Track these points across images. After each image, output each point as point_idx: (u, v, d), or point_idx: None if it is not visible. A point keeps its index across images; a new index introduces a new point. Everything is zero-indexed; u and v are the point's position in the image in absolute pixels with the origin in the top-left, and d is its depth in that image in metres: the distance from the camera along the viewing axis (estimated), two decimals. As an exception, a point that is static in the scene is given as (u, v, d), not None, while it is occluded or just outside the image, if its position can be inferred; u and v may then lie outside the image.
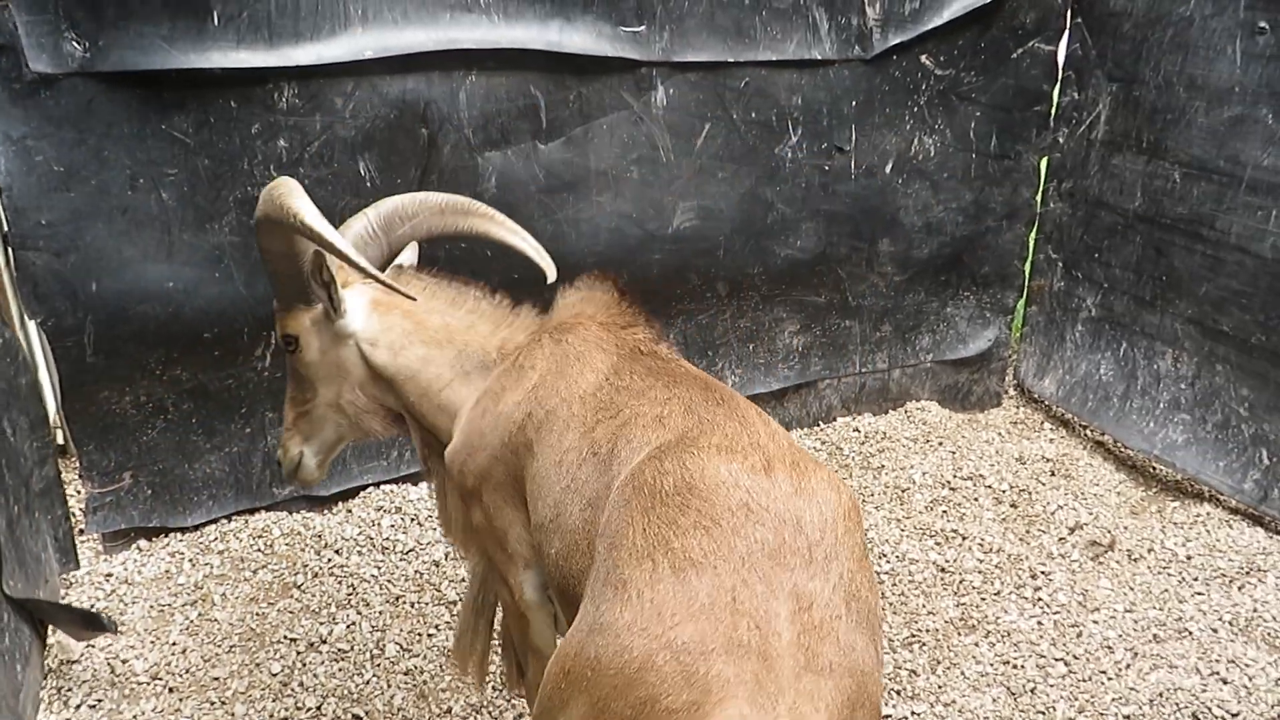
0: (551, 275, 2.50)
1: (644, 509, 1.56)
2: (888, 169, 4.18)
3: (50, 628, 3.08)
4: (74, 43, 2.97)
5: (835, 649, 1.43)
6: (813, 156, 4.03)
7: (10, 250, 3.14)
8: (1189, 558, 3.63)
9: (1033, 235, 4.65)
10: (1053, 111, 4.41)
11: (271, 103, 3.22)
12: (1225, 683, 3.03)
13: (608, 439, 1.86)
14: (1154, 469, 4.19)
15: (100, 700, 2.94)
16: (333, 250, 2.06)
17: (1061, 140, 4.43)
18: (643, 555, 1.50)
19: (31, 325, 3.24)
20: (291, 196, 2.05)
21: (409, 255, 2.52)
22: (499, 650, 2.73)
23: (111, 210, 3.16)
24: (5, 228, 3.11)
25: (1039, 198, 4.57)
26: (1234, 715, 2.91)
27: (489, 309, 2.37)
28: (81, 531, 3.55)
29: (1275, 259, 3.58)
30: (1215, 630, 3.26)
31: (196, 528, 3.64)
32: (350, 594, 3.42)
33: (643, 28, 3.58)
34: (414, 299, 2.23)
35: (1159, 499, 4.04)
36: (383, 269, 2.39)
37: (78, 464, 3.48)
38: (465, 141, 3.48)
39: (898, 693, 3.03)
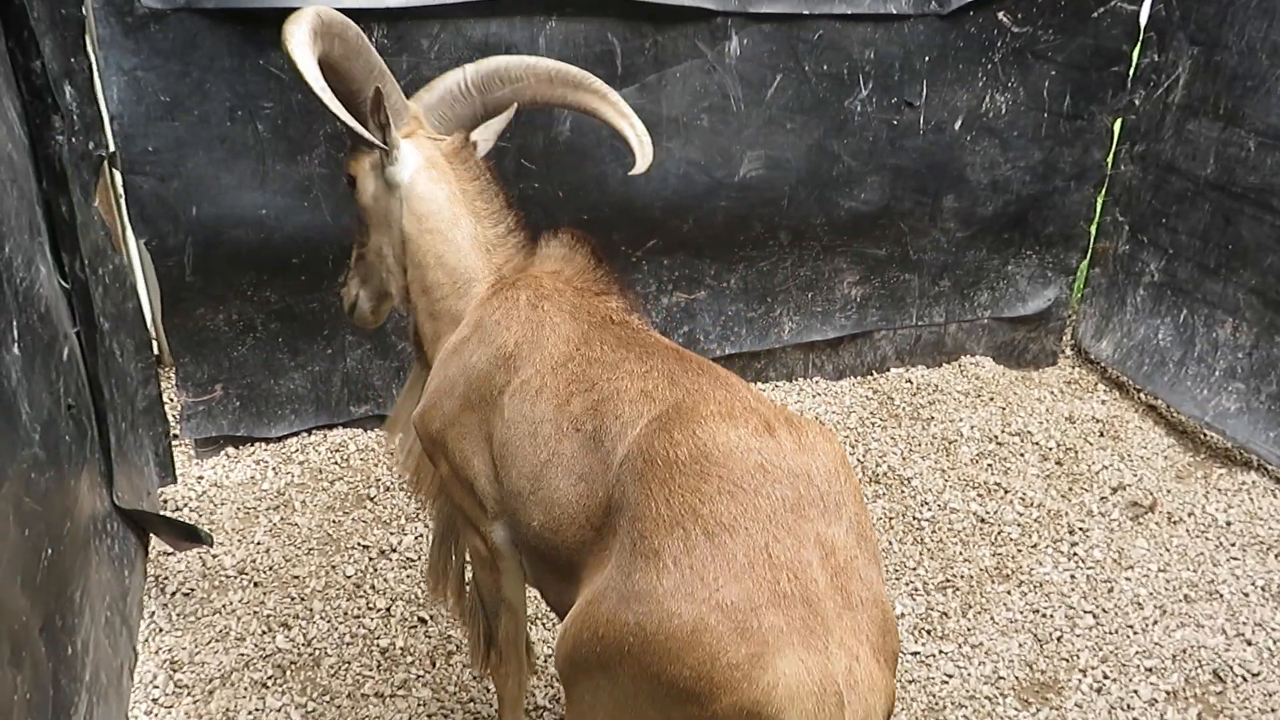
0: (643, 166, 2.48)
1: (662, 480, 1.63)
2: (957, 125, 4.21)
3: (153, 536, 3.35)
4: (182, -20, 3.16)
5: (861, 585, 1.57)
6: (882, 111, 4.08)
7: (121, 174, 3.37)
8: (1228, 524, 3.70)
9: (1101, 197, 4.64)
10: (1131, 73, 4.37)
11: (362, 42, 3.38)
12: (1249, 644, 3.13)
13: (589, 414, 1.90)
14: (1204, 435, 4.23)
15: (193, 590, 3.24)
16: (301, 81, 2.09)
17: (1137, 102, 4.40)
18: (671, 525, 1.58)
19: (136, 245, 3.48)
20: (295, 21, 2.10)
21: (495, 126, 2.47)
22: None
23: (211, 140, 3.37)
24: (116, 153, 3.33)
25: (1110, 160, 4.55)
26: (1254, 675, 3.02)
27: (512, 241, 2.33)
28: (177, 438, 3.83)
29: (1343, 233, 3.57)
30: (1246, 594, 3.35)
31: (280, 439, 3.91)
32: (418, 508, 3.67)
33: (720, -22, 3.65)
34: (385, 147, 2.20)
35: (1206, 465, 4.09)
36: (470, 129, 2.40)
37: (174, 374, 3.76)
38: (543, 85, 3.60)
39: (928, 632, 3.20)
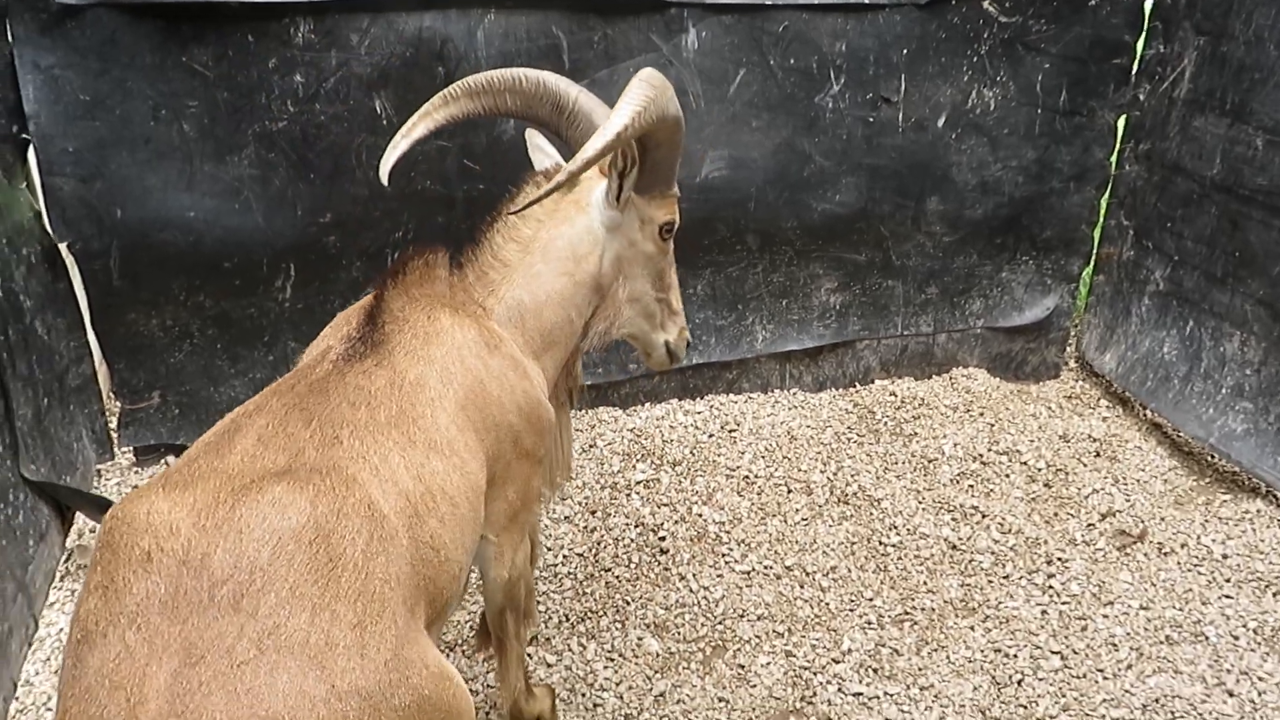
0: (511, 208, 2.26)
1: (89, 568, 1.44)
2: (940, 123, 3.93)
3: (74, 511, 3.35)
4: (97, -26, 3.04)
5: (229, 700, 1.28)
6: (856, 107, 3.82)
7: (39, 175, 3.27)
8: (1225, 556, 3.38)
9: (1105, 199, 4.32)
10: (1134, 65, 4.05)
11: (288, 38, 3.23)
12: (1231, 695, 2.83)
13: None
14: (1209, 458, 3.90)
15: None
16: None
17: (1142, 97, 4.08)
18: (69, 625, 1.42)
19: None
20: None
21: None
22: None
23: (135, 140, 3.25)
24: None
25: (1114, 159, 4.23)
26: (1232, 731, 2.73)
27: None
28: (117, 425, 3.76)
29: (1356, 240, 3.23)
30: (1235, 638, 3.04)
31: (221, 449, 3.79)
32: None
33: (673, -34, 3.44)
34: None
35: (1208, 491, 3.76)
36: None
37: (110, 380, 3.66)
38: (484, 81, 3.42)
39: (875, 670, 2.95)
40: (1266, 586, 3.24)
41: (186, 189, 3.34)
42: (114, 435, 3.71)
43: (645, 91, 2.01)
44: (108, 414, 3.73)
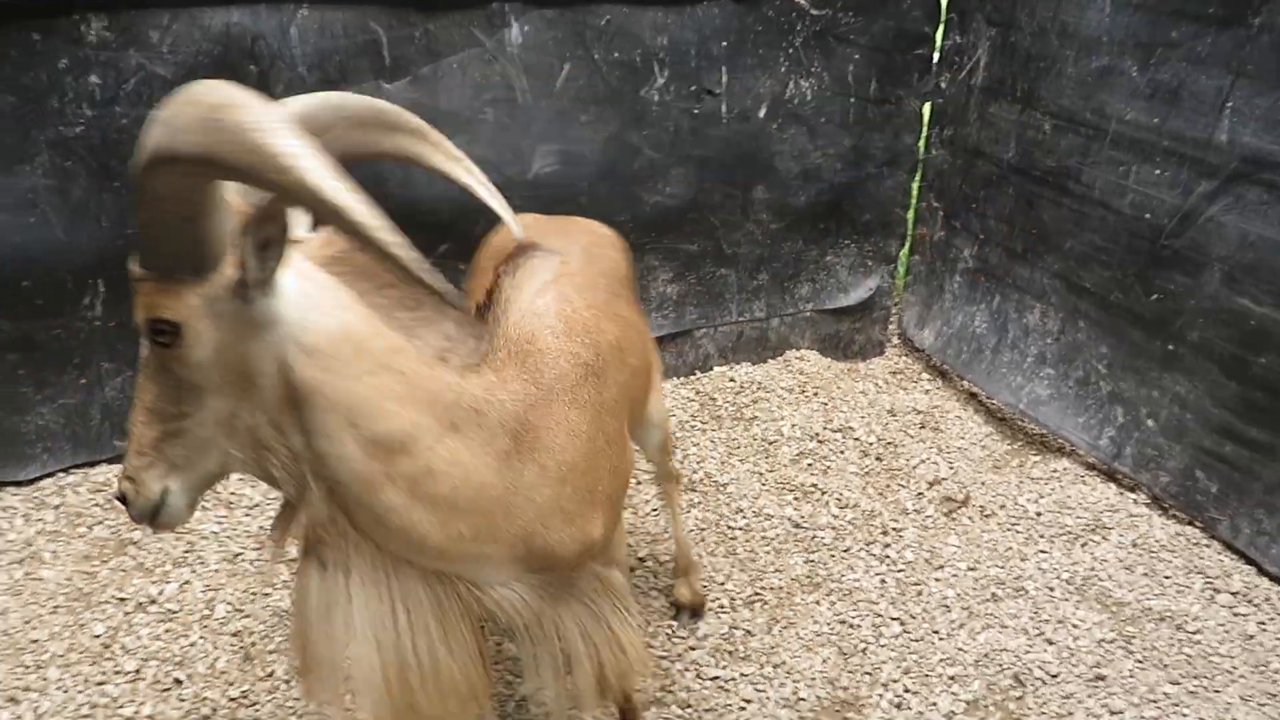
0: (510, 220, 1.96)
1: None
2: (761, 113, 4.05)
3: None
4: None
5: None
6: (681, 99, 3.89)
7: None
8: (1039, 514, 3.65)
9: (916, 183, 4.57)
10: (935, 55, 4.29)
11: (79, 35, 3.00)
12: (1050, 643, 3.07)
13: None
14: (1020, 423, 4.20)
15: (-94, 666, 2.85)
16: (371, 239, 1.38)
17: (944, 85, 4.32)
18: None
19: None
20: (270, 132, 1.28)
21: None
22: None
23: (-94, 151, 2.96)
24: None
25: (922, 144, 4.48)
26: (1053, 677, 2.95)
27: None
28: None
29: (1134, 215, 3.54)
30: (1051, 589, 3.30)
31: (31, 481, 3.51)
32: (187, 551, 3.33)
33: (493, -39, 3.39)
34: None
35: (1022, 453, 4.05)
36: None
37: (-107, 417, 3.33)
38: (300, 80, 3.29)
39: (730, 653, 3.03)
40: (1075, 539, 3.53)
41: (-30, 204, 3.07)
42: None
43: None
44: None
